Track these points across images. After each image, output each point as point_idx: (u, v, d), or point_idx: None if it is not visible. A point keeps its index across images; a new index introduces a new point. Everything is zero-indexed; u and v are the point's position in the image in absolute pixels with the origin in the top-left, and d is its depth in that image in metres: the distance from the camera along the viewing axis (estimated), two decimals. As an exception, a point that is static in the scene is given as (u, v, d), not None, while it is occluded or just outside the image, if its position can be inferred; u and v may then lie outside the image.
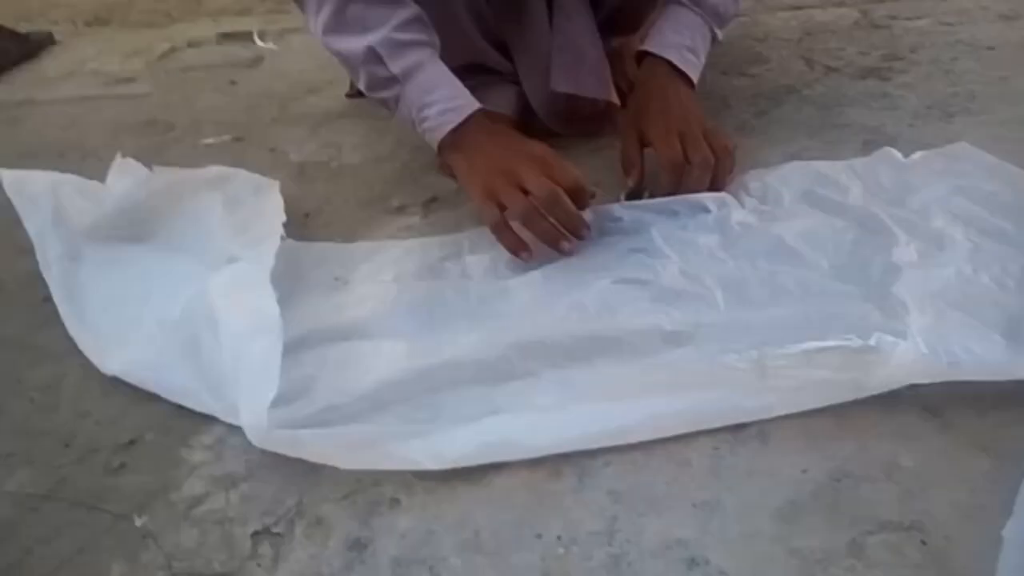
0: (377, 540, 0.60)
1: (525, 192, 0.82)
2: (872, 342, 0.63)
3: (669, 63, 0.96)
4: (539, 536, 0.59)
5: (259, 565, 0.59)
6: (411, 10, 0.90)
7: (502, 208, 0.83)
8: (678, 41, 0.96)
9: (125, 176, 1.02)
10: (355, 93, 1.32)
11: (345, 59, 0.94)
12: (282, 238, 0.87)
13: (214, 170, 1.01)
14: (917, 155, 0.92)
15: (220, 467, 0.68)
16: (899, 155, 0.93)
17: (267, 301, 0.76)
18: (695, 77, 0.97)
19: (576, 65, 1.02)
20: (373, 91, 0.94)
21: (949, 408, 0.62)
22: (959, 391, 0.63)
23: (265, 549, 0.60)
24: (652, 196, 0.91)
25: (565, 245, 0.83)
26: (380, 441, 0.66)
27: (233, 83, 1.51)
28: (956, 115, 1.08)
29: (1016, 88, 1.14)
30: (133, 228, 0.95)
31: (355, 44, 0.89)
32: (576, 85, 1.02)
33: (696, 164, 0.89)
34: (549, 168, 0.84)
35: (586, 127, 1.10)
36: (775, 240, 0.82)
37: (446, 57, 0.94)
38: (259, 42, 1.68)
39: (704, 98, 1.02)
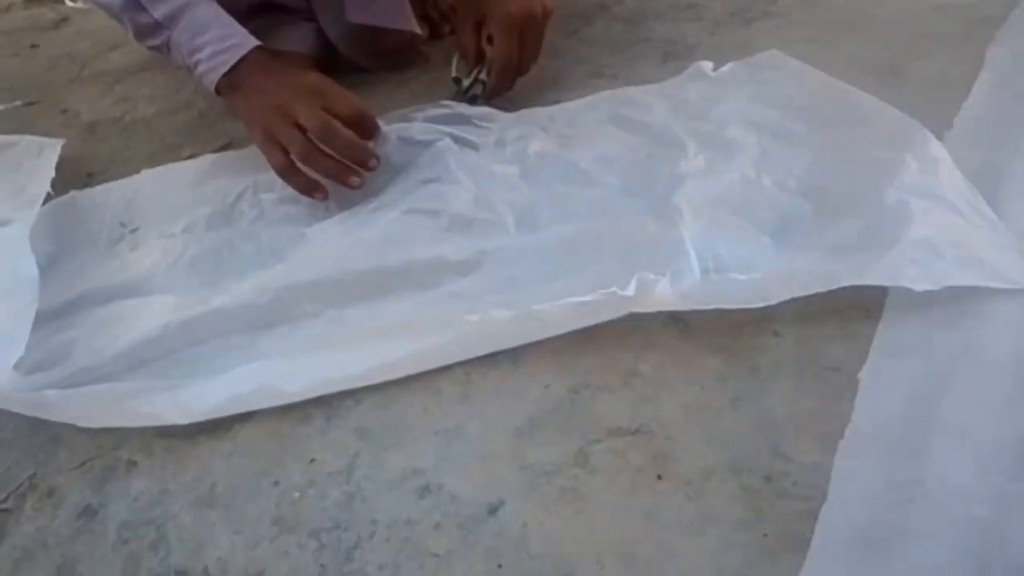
0: (109, 505, 0.57)
1: (303, 129, 0.78)
2: (630, 291, 0.60)
3: None
4: (276, 483, 0.56)
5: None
6: None
7: (284, 149, 0.79)
8: None
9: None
10: None
11: (107, 8, 0.88)
12: (50, 195, 0.84)
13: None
14: (727, 67, 0.91)
15: (-50, 447, 0.63)
16: (709, 69, 0.91)
17: (24, 261, 0.72)
18: None
19: None
20: (141, 40, 0.88)
21: (693, 315, 0.61)
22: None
23: (-11, 525, 0.57)
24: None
25: (353, 180, 0.78)
26: (125, 398, 0.62)
27: (34, 46, 1.41)
28: (755, 20, 1.07)
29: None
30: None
31: None
32: (371, 16, 0.98)
33: (526, 62, 0.90)
34: (324, 99, 0.79)
35: (392, 61, 1.06)
36: (570, 164, 0.80)
37: None
38: (68, 2, 1.58)
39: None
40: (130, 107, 1.12)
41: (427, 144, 0.84)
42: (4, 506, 0.58)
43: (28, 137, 0.98)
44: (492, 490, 0.53)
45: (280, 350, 0.66)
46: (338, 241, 0.75)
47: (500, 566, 0.48)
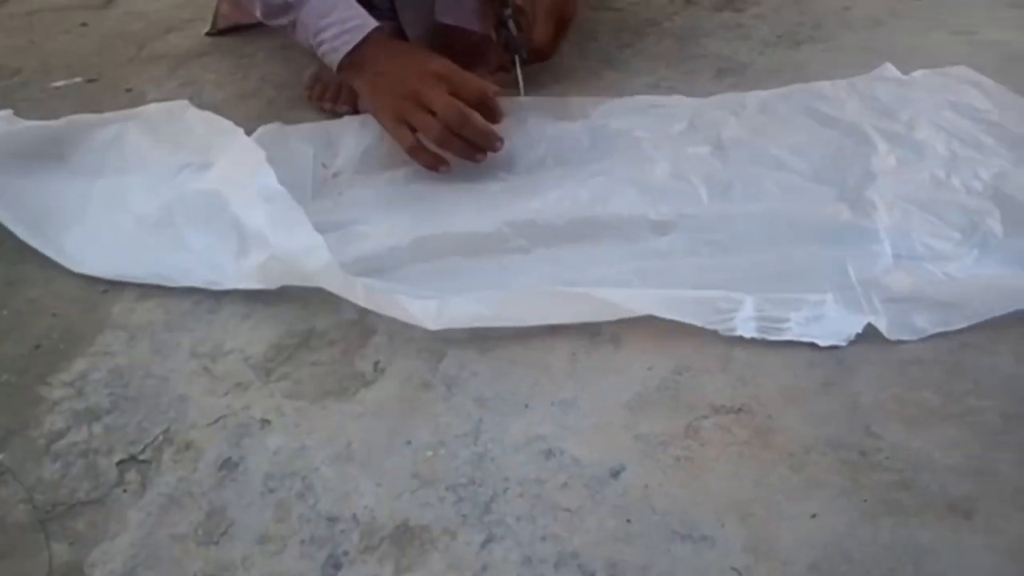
0: (248, 458, 0.61)
1: (433, 113, 0.85)
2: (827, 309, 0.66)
3: None
4: (409, 443, 0.61)
5: (125, 491, 0.59)
6: None
7: (413, 130, 0.86)
8: None
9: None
10: (216, 31, 1.29)
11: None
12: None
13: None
14: (918, 73, 0.98)
15: (81, 402, 0.67)
16: (897, 72, 0.98)
17: (267, 179, 0.78)
18: None
19: (458, 1, 1.04)
20: (270, 19, 0.94)
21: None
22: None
23: (132, 476, 0.61)
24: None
25: (480, 157, 0.86)
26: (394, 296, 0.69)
27: (85, 25, 1.43)
28: (803, 43, 1.14)
29: (857, 16, 1.21)
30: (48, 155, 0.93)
31: None
32: (457, 17, 1.04)
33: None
34: (453, 85, 0.86)
35: (460, 61, 1.11)
36: (762, 150, 0.87)
37: None
38: (112, -18, 1.60)
39: (572, 32, 1.05)
40: (197, 90, 1.16)
41: (622, 130, 0.91)
42: (143, 457, 0.62)
43: (153, 105, 1.00)
44: (611, 456, 0.58)
45: (501, 281, 0.74)
46: (547, 190, 0.83)
47: (629, 520, 0.54)
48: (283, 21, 0.92)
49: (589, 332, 0.69)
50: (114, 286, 0.79)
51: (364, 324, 0.72)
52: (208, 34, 1.31)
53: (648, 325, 0.68)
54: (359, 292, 0.69)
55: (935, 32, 1.14)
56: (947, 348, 0.64)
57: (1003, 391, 0.61)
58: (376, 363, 0.68)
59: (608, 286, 0.69)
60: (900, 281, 0.67)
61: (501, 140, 0.87)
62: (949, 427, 0.58)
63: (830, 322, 0.65)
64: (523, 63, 1.00)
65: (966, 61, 1.03)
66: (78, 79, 1.23)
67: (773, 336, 0.65)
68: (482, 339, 0.69)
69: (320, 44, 0.90)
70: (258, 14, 0.95)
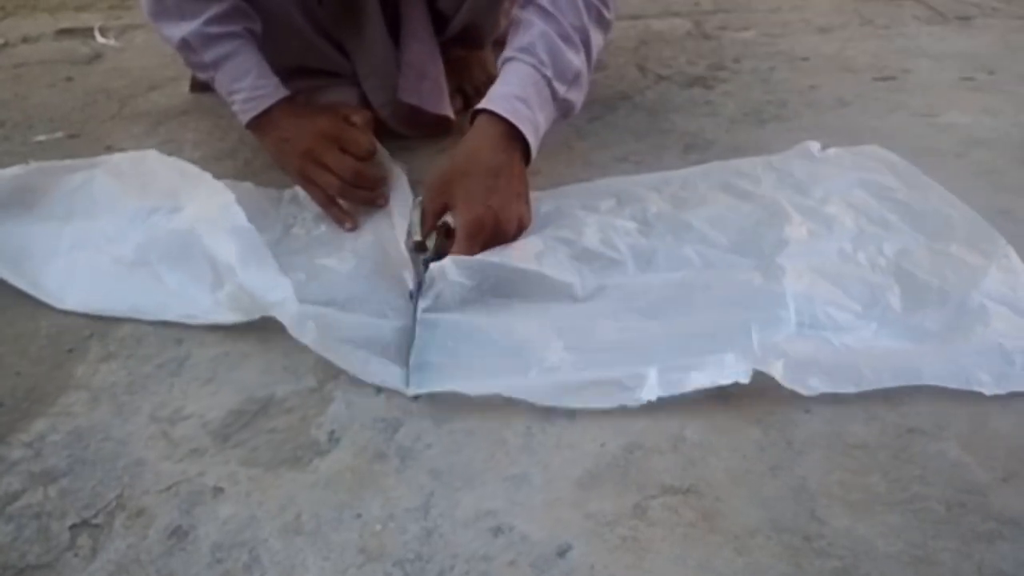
0: (199, 527, 0.61)
1: (332, 171, 0.94)
2: (744, 379, 0.68)
3: (498, 117, 0.87)
4: (358, 516, 0.61)
5: (76, 556, 0.59)
6: (226, 4, 0.96)
7: (322, 188, 0.95)
8: (506, 92, 0.88)
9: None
10: (197, 87, 1.31)
11: (167, 41, 1.00)
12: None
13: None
14: (831, 151, 1.01)
15: (39, 463, 0.67)
16: (815, 150, 1.01)
17: (236, 217, 0.86)
18: (526, 130, 0.87)
19: (420, 80, 1.08)
20: (195, 72, 1.05)
21: (734, 387, 0.68)
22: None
23: (84, 540, 0.61)
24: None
25: (381, 202, 0.96)
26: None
27: (70, 80, 1.46)
28: (768, 121, 1.18)
29: (822, 96, 1.25)
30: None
31: (174, 31, 0.97)
32: (420, 99, 1.09)
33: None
34: (343, 142, 0.95)
35: (428, 131, 1.14)
36: (685, 223, 0.90)
37: (283, 57, 0.99)
38: (100, 38, 1.63)
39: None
40: (175, 149, 1.18)
41: (555, 209, 0.94)
42: (96, 522, 0.62)
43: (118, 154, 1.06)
44: (559, 534, 0.59)
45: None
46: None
47: (573, 602, 0.54)
48: (205, 77, 1.01)
49: (544, 406, 0.70)
50: (79, 346, 0.80)
51: (323, 392, 0.73)
52: (192, 90, 1.33)
53: (604, 400, 0.69)
54: (309, 333, 0.73)
55: (897, 113, 1.18)
56: (894, 432, 0.66)
57: (948, 479, 0.62)
58: (332, 432, 0.69)
59: (532, 341, 0.74)
60: (799, 347, 0.70)
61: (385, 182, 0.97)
62: (893, 514, 0.59)
63: (728, 371, 0.68)
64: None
65: (926, 143, 1.07)
66: (60, 134, 1.25)
67: (675, 391, 0.68)
68: (438, 410, 0.70)
69: (232, 105, 0.98)
70: (185, 63, 1.04)
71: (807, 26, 1.56)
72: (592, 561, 0.57)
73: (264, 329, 0.80)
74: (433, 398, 0.71)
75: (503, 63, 0.92)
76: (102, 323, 0.83)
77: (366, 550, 0.59)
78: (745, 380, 0.67)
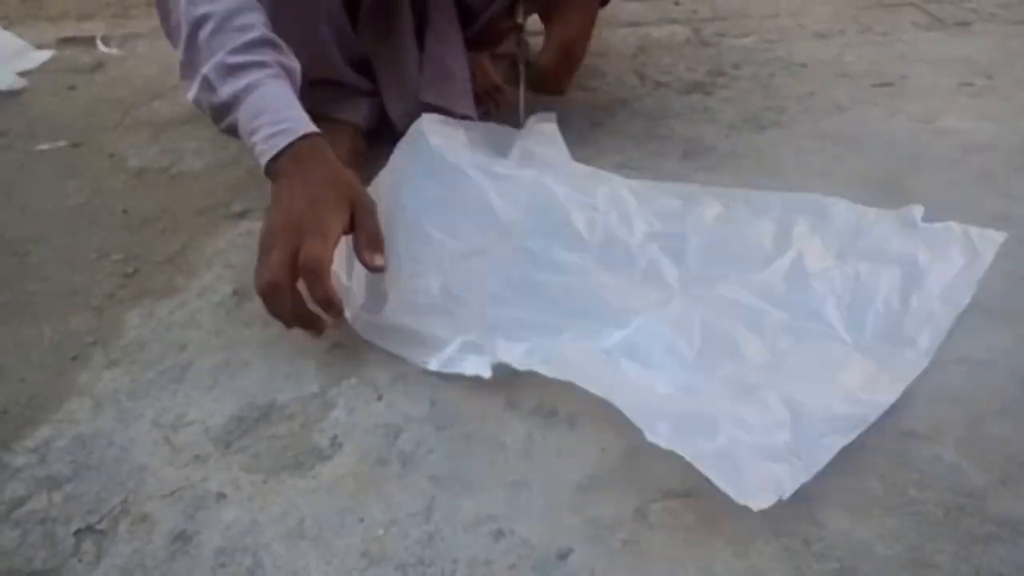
0: (202, 532, 0.62)
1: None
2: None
3: None
4: (361, 520, 0.62)
5: (81, 561, 0.60)
6: (255, 33, 0.83)
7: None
8: None
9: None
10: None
11: (197, 104, 0.87)
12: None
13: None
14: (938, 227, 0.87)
15: (43, 469, 0.68)
16: (918, 216, 0.88)
17: None
18: None
19: (445, 82, 1.07)
20: (219, 126, 0.86)
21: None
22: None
23: (88, 546, 0.61)
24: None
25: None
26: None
27: (72, 88, 1.47)
28: (767, 128, 1.18)
29: (820, 102, 1.26)
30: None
31: (195, 81, 0.84)
32: (444, 100, 1.06)
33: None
34: (300, 240, 0.74)
35: None
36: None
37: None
38: (102, 47, 1.64)
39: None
40: (177, 158, 1.19)
41: None
42: (100, 527, 0.63)
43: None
44: (560, 538, 0.59)
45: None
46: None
47: (574, 605, 0.55)
48: (226, 124, 0.84)
49: (545, 412, 0.70)
50: (82, 353, 0.81)
51: (325, 398, 0.73)
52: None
53: (602, 406, 0.69)
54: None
55: (895, 119, 1.19)
56: (892, 436, 0.66)
57: (945, 483, 0.62)
58: (334, 438, 0.69)
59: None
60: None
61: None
62: (891, 517, 0.60)
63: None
64: (530, 87, 1.09)
65: (924, 149, 1.08)
66: (62, 143, 1.26)
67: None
68: (439, 416, 0.71)
69: (253, 147, 0.81)
70: (214, 123, 0.87)
71: (805, 32, 1.57)
72: (592, 565, 0.57)
73: (266, 336, 0.80)
74: (434, 404, 0.72)
75: None
76: (105, 330, 0.83)
77: (368, 554, 0.59)
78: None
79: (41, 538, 0.62)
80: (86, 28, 1.73)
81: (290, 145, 0.79)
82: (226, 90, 0.82)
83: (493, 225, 0.85)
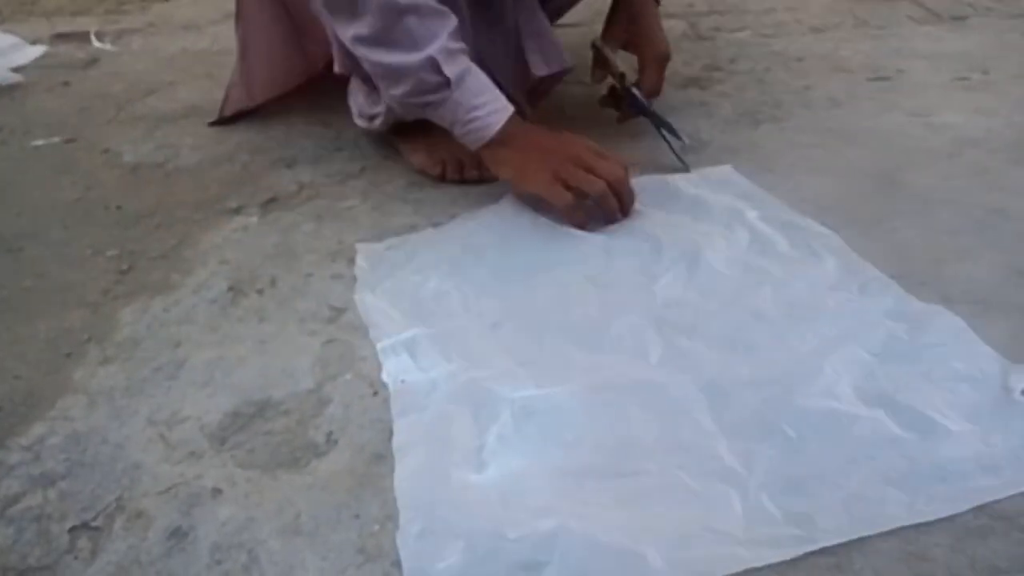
0: (198, 528, 0.62)
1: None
2: None
3: None
4: (357, 516, 0.62)
5: (76, 558, 0.60)
6: (455, 19, 0.94)
7: (570, 191, 0.94)
8: None
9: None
10: (222, 119, 1.26)
11: (391, 69, 0.95)
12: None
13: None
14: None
15: (38, 466, 0.67)
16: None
17: None
18: None
19: (544, 49, 1.08)
20: (416, 96, 0.96)
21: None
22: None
23: (83, 543, 0.61)
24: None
25: (620, 217, 0.96)
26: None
27: (67, 84, 1.46)
28: (763, 122, 1.18)
29: (816, 97, 1.26)
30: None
31: (409, 56, 0.92)
32: (549, 67, 1.08)
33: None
34: (605, 157, 0.96)
35: (541, 98, 1.16)
36: None
37: None
38: (96, 43, 1.64)
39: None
40: (172, 154, 1.18)
41: None
42: (95, 524, 0.63)
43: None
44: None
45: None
46: None
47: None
48: (432, 98, 0.94)
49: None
50: (77, 350, 0.80)
51: (320, 394, 0.73)
52: (212, 124, 1.26)
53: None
54: None
55: (891, 113, 1.19)
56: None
57: (940, 474, 0.62)
58: (329, 434, 0.69)
59: None
60: None
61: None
62: (886, 509, 0.60)
63: None
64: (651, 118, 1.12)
65: (920, 143, 1.08)
66: (56, 139, 1.26)
67: None
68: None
69: (472, 120, 0.94)
70: (396, 91, 0.96)
71: (801, 27, 1.57)
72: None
73: (261, 332, 0.80)
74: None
75: None
76: (99, 327, 0.83)
77: (364, 550, 0.59)
78: None
79: (36, 535, 0.62)
80: (80, 24, 1.72)
81: (512, 118, 0.96)
82: (451, 71, 0.93)
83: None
